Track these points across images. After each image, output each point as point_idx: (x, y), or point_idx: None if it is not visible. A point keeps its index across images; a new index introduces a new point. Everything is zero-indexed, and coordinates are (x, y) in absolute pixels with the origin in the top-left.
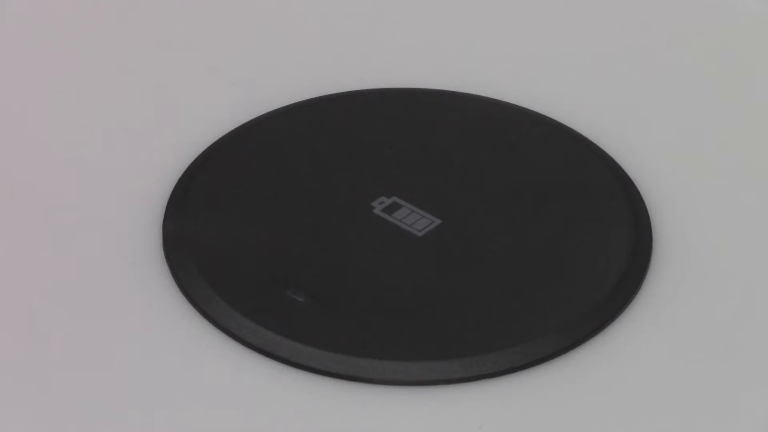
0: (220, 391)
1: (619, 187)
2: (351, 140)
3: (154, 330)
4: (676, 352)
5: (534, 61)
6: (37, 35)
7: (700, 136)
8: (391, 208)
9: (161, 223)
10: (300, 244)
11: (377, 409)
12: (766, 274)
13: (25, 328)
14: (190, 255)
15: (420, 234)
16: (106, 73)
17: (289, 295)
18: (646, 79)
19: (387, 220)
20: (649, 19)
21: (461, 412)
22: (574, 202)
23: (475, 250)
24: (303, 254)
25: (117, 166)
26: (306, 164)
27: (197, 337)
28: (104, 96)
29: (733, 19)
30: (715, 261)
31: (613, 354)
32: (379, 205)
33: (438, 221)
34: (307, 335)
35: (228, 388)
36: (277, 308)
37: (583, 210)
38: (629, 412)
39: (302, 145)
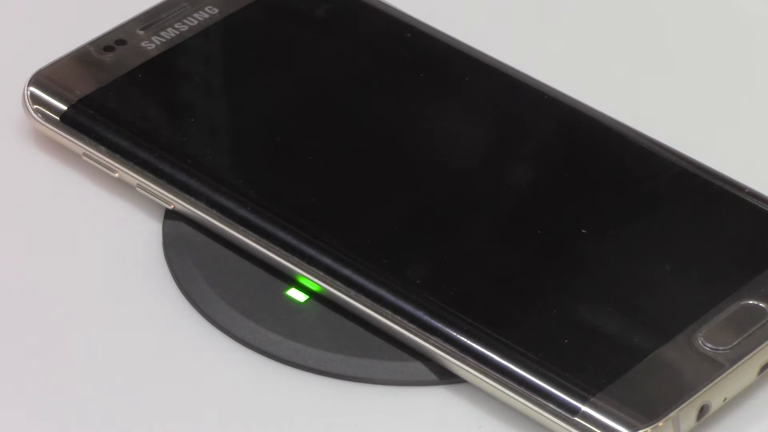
0: (219, 390)
1: None
2: None
3: (154, 330)
4: None
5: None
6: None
7: (699, 136)
8: None
9: (161, 223)
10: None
11: (377, 409)
12: None
13: (24, 327)
14: (190, 255)
15: None
16: None
17: (288, 295)
18: (647, 79)
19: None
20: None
21: (461, 412)
22: None
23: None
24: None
25: None
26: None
27: (197, 337)
28: None
29: (736, 20)
30: None
31: None
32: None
33: None
34: (307, 335)
35: (228, 388)
36: (277, 308)
37: None
38: None
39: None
